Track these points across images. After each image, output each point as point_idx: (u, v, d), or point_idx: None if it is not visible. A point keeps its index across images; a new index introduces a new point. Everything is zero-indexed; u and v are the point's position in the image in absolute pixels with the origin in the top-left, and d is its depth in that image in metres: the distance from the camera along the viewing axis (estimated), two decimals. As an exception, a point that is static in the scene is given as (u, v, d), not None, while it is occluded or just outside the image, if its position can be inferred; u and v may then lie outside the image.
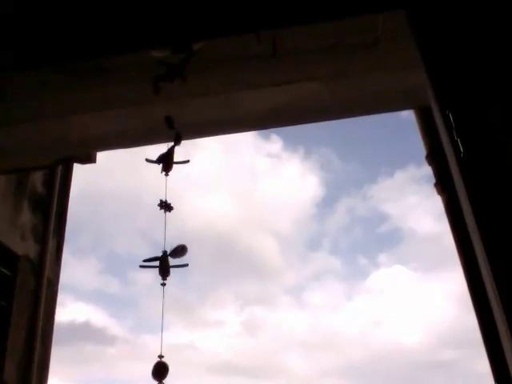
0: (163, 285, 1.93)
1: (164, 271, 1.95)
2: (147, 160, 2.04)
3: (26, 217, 4.47)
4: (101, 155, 3.97)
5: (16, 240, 4.29)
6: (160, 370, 1.92)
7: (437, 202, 3.12)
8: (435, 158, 3.08)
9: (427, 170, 3.25)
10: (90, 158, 4.02)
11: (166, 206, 1.96)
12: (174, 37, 1.96)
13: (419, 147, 3.30)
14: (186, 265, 1.98)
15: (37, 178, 4.68)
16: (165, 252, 1.96)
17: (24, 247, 4.39)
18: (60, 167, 4.81)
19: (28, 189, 4.52)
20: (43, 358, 4.58)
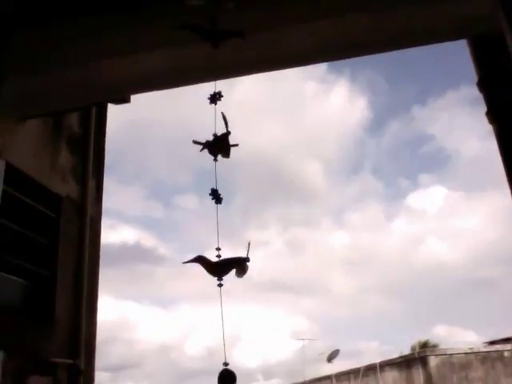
0: (220, 285, 1.69)
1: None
2: (194, 142, 1.84)
3: (66, 158, 4.49)
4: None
5: (58, 182, 4.34)
6: (226, 381, 1.55)
7: (483, 124, 3.02)
8: (487, 85, 2.96)
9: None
10: (123, 99, 3.97)
11: (216, 197, 1.78)
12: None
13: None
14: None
15: (73, 120, 4.65)
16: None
17: (66, 188, 4.44)
18: (94, 108, 4.77)
19: (65, 131, 4.51)
20: (91, 292, 4.75)
